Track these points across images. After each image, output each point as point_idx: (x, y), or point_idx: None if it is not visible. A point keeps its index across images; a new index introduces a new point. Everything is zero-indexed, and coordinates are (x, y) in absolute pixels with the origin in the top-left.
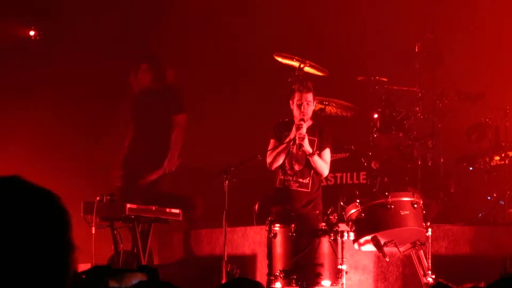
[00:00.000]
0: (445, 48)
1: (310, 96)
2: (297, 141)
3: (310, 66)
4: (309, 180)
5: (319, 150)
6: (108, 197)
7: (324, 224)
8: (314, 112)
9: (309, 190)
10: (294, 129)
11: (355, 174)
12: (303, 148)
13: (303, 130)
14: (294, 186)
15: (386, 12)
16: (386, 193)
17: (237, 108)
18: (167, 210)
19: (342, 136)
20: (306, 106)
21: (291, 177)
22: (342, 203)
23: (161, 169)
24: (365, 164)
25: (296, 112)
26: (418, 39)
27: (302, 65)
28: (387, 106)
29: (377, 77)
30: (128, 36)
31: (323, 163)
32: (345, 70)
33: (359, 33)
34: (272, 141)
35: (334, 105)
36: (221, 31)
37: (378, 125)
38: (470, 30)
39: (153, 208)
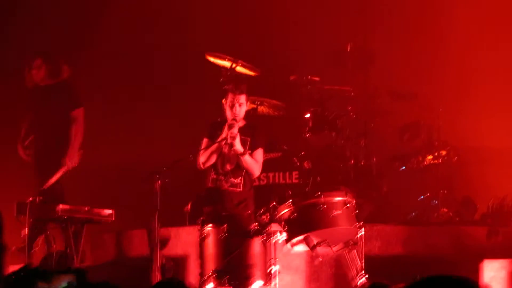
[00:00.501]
0: (377, 47)
1: (243, 98)
2: (228, 141)
3: (242, 65)
4: (240, 180)
5: (252, 150)
6: (40, 198)
7: (256, 224)
8: (247, 112)
9: (241, 190)
10: (226, 128)
11: (287, 173)
12: (234, 147)
13: (235, 130)
14: (226, 186)
15: (318, 11)
16: (319, 193)
17: (169, 108)
18: (99, 211)
19: (274, 136)
20: (238, 107)
21: (222, 177)
22: (274, 203)
23: (63, 167)
24: (298, 163)
25: (228, 112)
26: (350, 38)
27: (234, 65)
28: (319, 106)
29: (309, 77)
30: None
31: (254, 163)
32: (277, 70)
33: (291, 32)
34: (205, 140)
35: (266, 104)
36: (153, 29)
37: (310, 125)
38: (402, 29)
39: (86, 208)
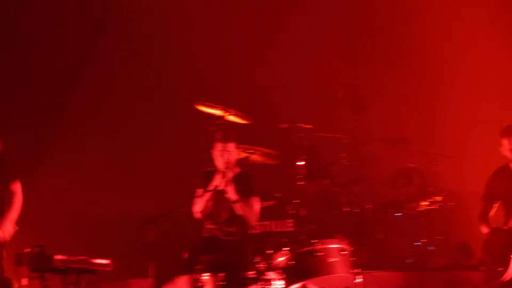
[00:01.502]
0: (369, 93)
1: (231, 146)
2: (220, 188)
3: (234, 114)
4: (236, 229)
5: (246, 197)
6: (37, 248)
7: (253, 272)
8: (240, 161)
9: (236, 238)
10: (217, 176)
11: (282, 221)
12: (227, 195)
13: (228, 178)
14: (222, 235)
15: (308, 58)
16: (314, 241)
17: (163, 157)
18: (96, 260)
19: (268, 184)
20: (227, 155)
21: (218, 226)
22: (270, 251)
23: None
24: (293, 211)
25: (218, 161)
26: (341, 85)
27: (225, 114)
28: (312, 153)
29: (300, 124)
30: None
31: (249, 210)
32: (269, 118)
33: (282, 80)
34: (199, 190)
35: (259, 153)
36: (141, 77)
37: (303, 172)
38: (394, 74)
39: (83, 258)
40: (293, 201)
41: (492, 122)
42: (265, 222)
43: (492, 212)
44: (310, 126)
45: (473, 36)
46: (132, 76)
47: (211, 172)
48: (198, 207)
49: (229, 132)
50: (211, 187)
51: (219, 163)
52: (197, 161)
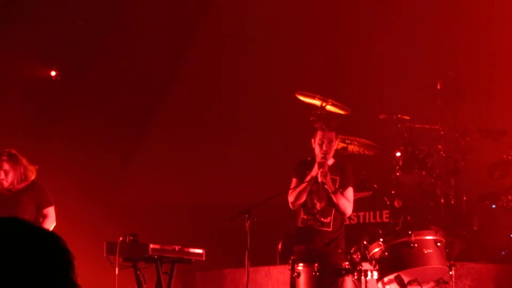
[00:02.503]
0: (467, 85)
1: (332, 135)
2: (319, 179)
3: (332, 104)
4: (330, 219)
5: (342, 188)
6: (131, 237)
7: (347, 263)
8: (337, 151)
9: (331, 229)
10: (316, 166)
11: (378, 212)
12: (325, 185)
13: (325, 168)
14: (316, 226)
15: (407, 49)
16: (409, 232)
17: (258, 146)
18: (190, 250)
19: (364, 175)
20: (328, 144)
21: (313, 216)
22: (365, 242)
23: None
24: (388, 202)
25: (318, 150)
26: (440, 76)
27: (324, 104)
28: (410, 144)
29: (399, 115)
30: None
31: (345, 201)
32: (367, 109)
33: (380, 71)
34: (294, 180)
35: (357, 143)
36: (244, 69)
37: (400, 164)
38: (491, 67)
39: (177, 248)
40: (389, 192)
41: None
42: (361, 213)
43: None
44: (408, 117)
45: None
46: (228, 64)
47: (307, 162)
48: (294, 197)
49: (330, 121)
50: (308, 177)
51: (318, 152)
52: (294, 150)
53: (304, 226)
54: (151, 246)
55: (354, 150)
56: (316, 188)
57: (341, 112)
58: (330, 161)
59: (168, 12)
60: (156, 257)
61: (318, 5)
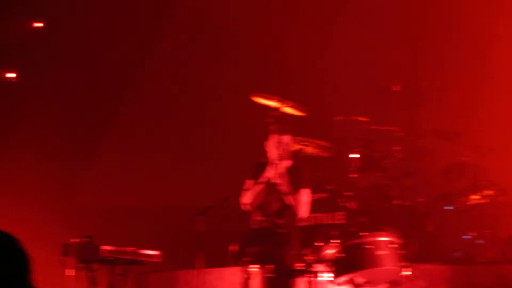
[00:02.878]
0: (424, 87)
1: (287, 138)
2: (273, 180)
3: (289, 106)
4: (285, 221)
5: (297, 190)
6: (85, 239)
7: (301, 264)
8: (293, 153)
9: (285, 231)
10: (270, 168)
11: (333, 214)
12: (279, 186)
13: (280, 169)
14: (270, 227)
15: (365, 51)
16: (364, 233)
17: (213, 148)
18: (144, 251)
19: (320, 177)
20: (282, 147)
21: (267, 218)
22: (319, 244)
23: None
24: (343, 204)
25: (273, 152)
26: (398, 78)
27: (280, 106)
28: (366, 146)
29: (355, 117)
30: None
31: (300, 202)
32: (324, 110)
33: (338, 72)
34: (248, 182)
35: (313, 145)
36: (199, 70)
37: (356, 165)
38: (448, 70)
39: (131, 249)
40: (345, 194)
41: None
42: (316, 214)
43: None
44: (365, 119)
45: None
46: (185, 66)
47: (263, 163)
48: (248, 198)
49: (285, 124)
50: (263, 179)
51: (273, 154)
52: (248, 152)
53: (258, 227)
54: (105, 248)
55: (310, 151)
56: (271, 190)
57: (298, 113)
58: (286, 163)
59: (124, 18)
60: (110, 258)
61: (275, 7)
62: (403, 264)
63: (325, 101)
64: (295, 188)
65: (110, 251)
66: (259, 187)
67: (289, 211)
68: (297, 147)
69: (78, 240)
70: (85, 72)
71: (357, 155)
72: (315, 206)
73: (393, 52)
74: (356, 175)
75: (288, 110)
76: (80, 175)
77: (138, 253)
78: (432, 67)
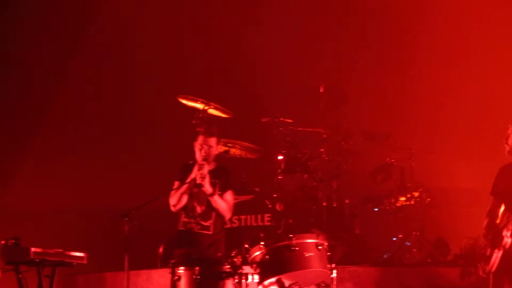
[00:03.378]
0: (350, 88)
1: (212, 140)
2: (197, 181)
3: (215, 108)
4: (211, 223)
5: (222, 191)
6: (12, 241)
7: (228, 266)
8: (219, 155)
9: (211, 233)
10: (195, 169)
11: (259, 216)
12: (203, 188)
13: (204, 171)
14: (196, 229)
15: (290, 52)
16: (291, 235)
17: (141, 150)
18: (72, 253)
19: (246, 178)
20: (207, 149)
21: (193, 219)
22: (246, 245)
23: None
24: (270, 206)
25: (198, 154)
26: (322, 79)
27: (206, 107)
28: (292, 148)
29: (281, 119)
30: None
31: (224, 204)
32: (250, 112)
33: (263, 74)
34: (176, 183)
35: (239, 147)
36: (125, 74)
37: (282, 167)
38: (375, 71)
39: (58, 251)
40: (272, 195)
41: (470, 118)
42: (243, 216)
43: (500, 210)
44: (291, 121)
45: (456, 34)
46: (110, 69)
47: (189, 165)
48: (174, 199)
49: (211, 126)
50: (188, 179)
51: (199, 156)
52: (176, 154)
53: (184, 229)
54: (33, 249)
55: (236, 153)
56: (196, 192)
57: (224, 115)
58: (211, 165)
59: (45, 23)
60: (37, 260)
61: (199, 9)
62: (331, 266)
63: (251, 103)
64: (220, 189)
65: (37, 252)
66: (184, 188)
67: (215, 213)
68: (223, 148)
69: (4, 242)
70: (11, 76)
71: (283, 157)
72: (242, 208)
73: (319, 52)
74: (282, 177)
75: (213, 111)
76: (7, 176)
77: (65, 254)
78: (358, 68)
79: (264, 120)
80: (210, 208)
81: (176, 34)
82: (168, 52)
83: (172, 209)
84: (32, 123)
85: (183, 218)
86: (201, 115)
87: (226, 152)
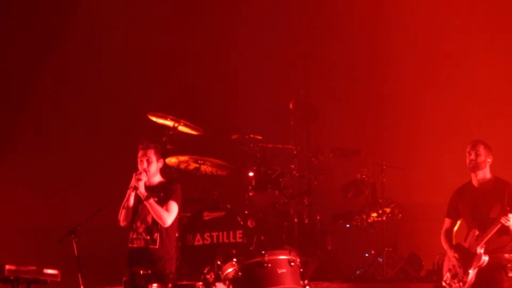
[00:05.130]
0: (319, 104)
1: (150, 152)
2: (131, 184)
3: (185, 125)
4: (157, 236)
5: (164, 202)
6: None
7: (201, 283)
8: (188, 171)
9: (157, 247)
10: (133, 178)
11: (231, 233)
12: (138, 190)
13: (142, 176)
14: (143, 244)
15: (259, 69)
16: (263, 252)
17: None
18: (45, 270)
19: (217, 195)
20: (146, 162)
21: (139, 235)
22: (219, 262)
23: None
24: (241, 222)
25: (139, 167)
26: (292, 95)
27: (176, 124)
28: (262, 164)
29: (251, 135)
30: None
31: (160, 210)
32: (220, 129)
33: (233, 90)
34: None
35: (209, 163)
36: (95, 91)
37: (253, 183)
38: (344, 86)
39: (32, 268)
40: (243, 212)
41: (440, 134)
42: (214, 233)
43: (455, 228)
44: (261, 137)
45: (427, 50)
46: (79, 85)
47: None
48: (120, 215)
49: (148, 141)
50: (128, 190)
51: (139, 168)
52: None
53: (132, 245)
54: (7, 267)
55: (207, 170)
56: (141, 207)
57: (194, 132)
58: (159, 179)
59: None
60: (12, 277)
61: (168, 26)
62: (303, 282)
63: (220, 119)
64: (162, 201)
65: (12, 270)
66: (125, 200)
67: (159, 227)
68: (193, 165)
69: None
70: None
71: (253, 174)
72: (214, 225)
73: (287, 69)
74: (253, 193)
75: (183, 128)
76: None
77: (39, 272)
78: (328, 85)
79: (234, 136)
80: (154, 223)
81: (146, 50)
82: (138, 69)
83: (120, 223)
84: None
85: (130, 235)
86: (171, 132)
87: (197, 169)
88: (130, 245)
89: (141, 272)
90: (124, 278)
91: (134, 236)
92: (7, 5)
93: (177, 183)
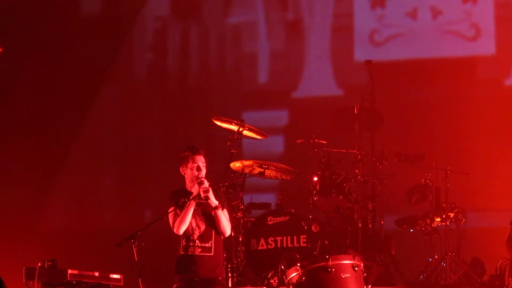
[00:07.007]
0: (384, 109)
1: (203, 158)
2: (202, 195)
3: (249, 129)
4: (211, 244)
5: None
6: (49, 263)
7: None
8: (253, 176)
9: (213, 254)
10: (196, 185)
11: (295, 237)
12: (208, 200)
13: (206, 184)
14: (197, 252)
15: (321, 71)
16: (327, 256)
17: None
18: (109, 275)
19: (281, 200)
20: (201, 167)
21: (193, 243)
22: (282, 267)
23: None
24: (306, 227)
25: (192, 175)
26: (357, 100)
27: (241, 129)
28: (327, 169)
29: (316, 140)
30: None
31: (227, 220)
32: (285, 133)
33: (298, 96)
34: (172, 208)
35: (274, 168)
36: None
37: (318, 188)
38: (409, 91)
39: (95, 274)
40: (307, 217)
41: (505, 139)
42: (278, 238)
43: None
44: (325, 142)
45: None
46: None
47: (178, 191)
48: (178, 222)
49: (198, 146)
50: (191, 197)
51: (194, 176)
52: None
53: (185, 253)
54: (70, 271)
55: (272, 175)
56: (195, 213)
57: (258, 137)
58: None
59: None
60: (74, 282)
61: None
62: (367, 287)
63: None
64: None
65: (75, 275)
66: (188, 207)
67: (213, 233)
68: (258, 170)
69: (41, 264)
70: None
71: (318, 178)
72: (278, 229)
73: (353, 75)
74: (318, 198)
75: (248, 133)
76: (45, 198)
77: (101, 276)
78: (393, 89)
79: (298, 141)
80: (210, 228)
81: None
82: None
83: (177, 232)
84: (66, 146)
85: (183, 242)
86: (235, 136)
87: (261, 173)
88: (182, 252)
89: (196, 279)
90: (175, 286)
91: (189, 243)
92: None
93: (220, 190)
